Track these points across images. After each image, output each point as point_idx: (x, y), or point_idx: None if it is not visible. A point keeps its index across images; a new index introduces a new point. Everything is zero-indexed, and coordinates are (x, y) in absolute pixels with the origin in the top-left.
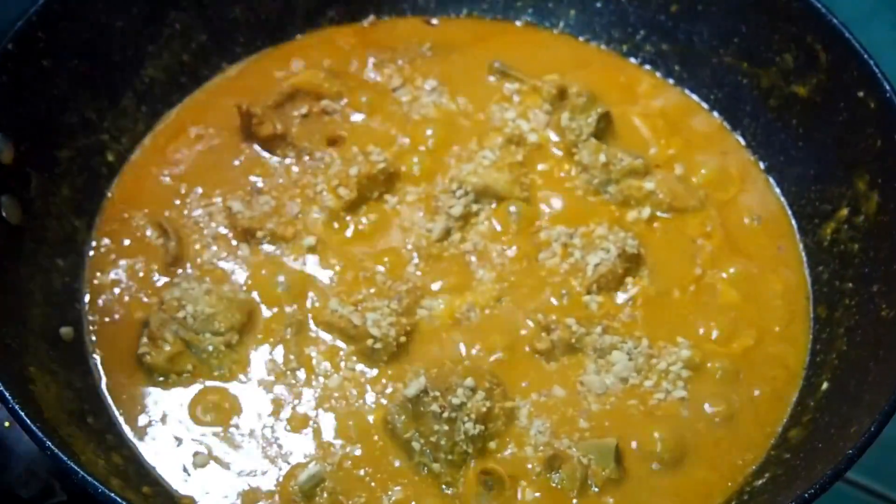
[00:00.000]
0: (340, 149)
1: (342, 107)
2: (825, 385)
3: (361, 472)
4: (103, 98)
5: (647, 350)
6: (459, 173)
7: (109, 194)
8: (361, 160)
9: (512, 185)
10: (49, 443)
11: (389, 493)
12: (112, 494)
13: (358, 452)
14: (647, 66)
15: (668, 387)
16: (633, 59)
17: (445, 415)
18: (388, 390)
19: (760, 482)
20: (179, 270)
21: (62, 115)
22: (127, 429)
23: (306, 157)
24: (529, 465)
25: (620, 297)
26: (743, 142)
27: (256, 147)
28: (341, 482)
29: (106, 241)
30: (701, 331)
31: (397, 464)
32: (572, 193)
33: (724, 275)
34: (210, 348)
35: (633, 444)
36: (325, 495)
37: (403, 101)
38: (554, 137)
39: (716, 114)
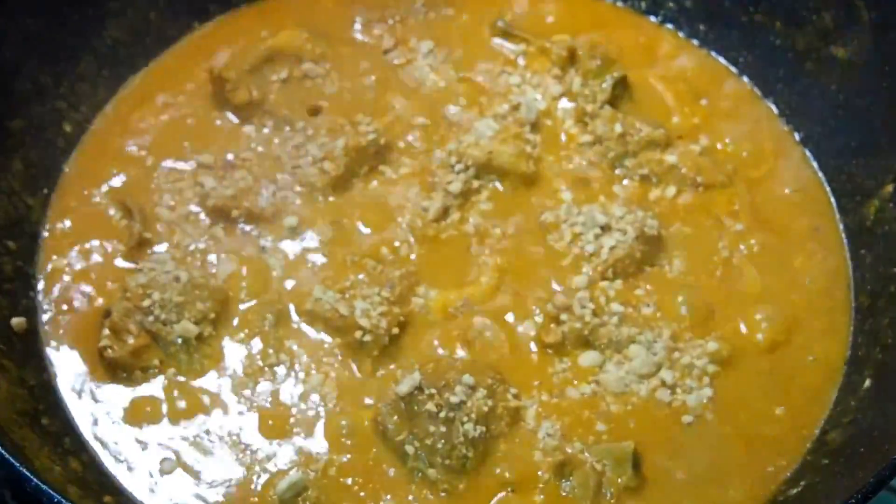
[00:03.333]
0: (325, 118)
1: (326, 70)
2: (868, 382)
3: (349, 481)
4: (60, 61)
5: (668, 343)
6: (459, 145)
7: (67, 169)
8: (349, 131)
9: (517, 158)
10: None
11: (381, 502)
12: None
13: (345, 458)
14: (669, 25)
15: (693, 384)
16: (652, 18)
17: (442, 415)
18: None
19: (795, 491)
20: (147, 253)
21: (13, 80)
22: (86, 431)
23: (286, 128)
24: (540, 472)
25: (638, 284)
26: (776, 110)
27: (231, 116)
28: (326, 491)
29: (63, 221)
30: (728, 321)
31: (391, 472)
32: (585, 168)
33: (754, 258)
34: (179, 341)
35: (654, 448)
36: None
37: (395, 65)
38: (564, 105)
39: (745, 79)
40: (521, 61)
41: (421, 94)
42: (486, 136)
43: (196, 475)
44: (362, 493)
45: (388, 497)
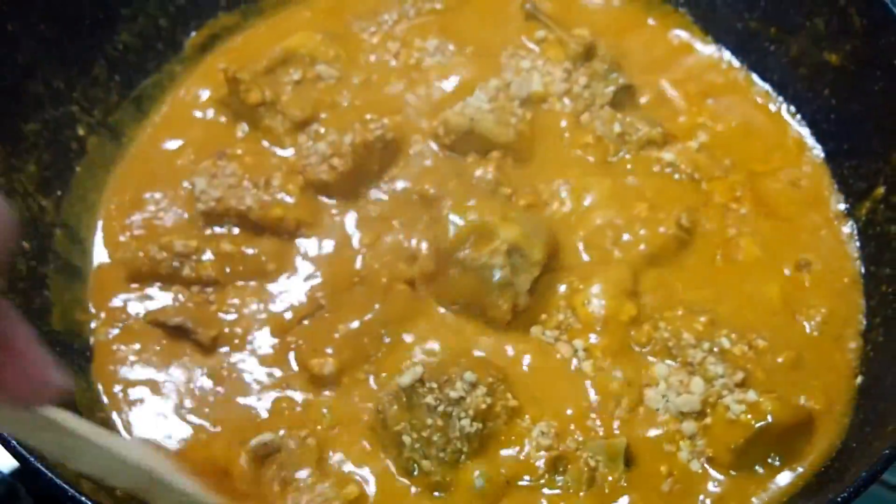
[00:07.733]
0: (335, 118)
1: (339, 72)
2: (859, 379)
3: None
4: (73, 66)
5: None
6: (446, 115)
7: (80, 171)
8: (357, 127)
9: (499, 125)
10: (12, 439)
11: None
12: (83, 498)
13: None
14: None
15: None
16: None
17: (441, 408)
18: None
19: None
20: None
21: (28, 84)
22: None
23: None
24: (537, 463)
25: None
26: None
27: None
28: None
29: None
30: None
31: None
32: (580, 160)
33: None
34: None
35: (649, 445)
36: None
37: (406, 66)
38: (565, 102)
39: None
40: (534, 48)
41: (430, 91)
42: (472, 105)
43: None
44: None
45: None
